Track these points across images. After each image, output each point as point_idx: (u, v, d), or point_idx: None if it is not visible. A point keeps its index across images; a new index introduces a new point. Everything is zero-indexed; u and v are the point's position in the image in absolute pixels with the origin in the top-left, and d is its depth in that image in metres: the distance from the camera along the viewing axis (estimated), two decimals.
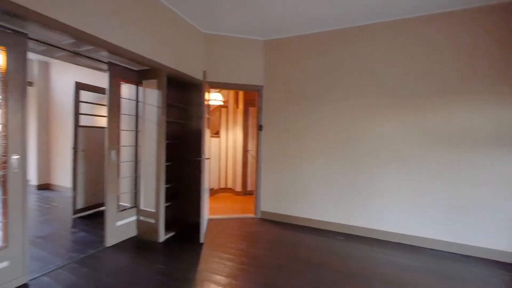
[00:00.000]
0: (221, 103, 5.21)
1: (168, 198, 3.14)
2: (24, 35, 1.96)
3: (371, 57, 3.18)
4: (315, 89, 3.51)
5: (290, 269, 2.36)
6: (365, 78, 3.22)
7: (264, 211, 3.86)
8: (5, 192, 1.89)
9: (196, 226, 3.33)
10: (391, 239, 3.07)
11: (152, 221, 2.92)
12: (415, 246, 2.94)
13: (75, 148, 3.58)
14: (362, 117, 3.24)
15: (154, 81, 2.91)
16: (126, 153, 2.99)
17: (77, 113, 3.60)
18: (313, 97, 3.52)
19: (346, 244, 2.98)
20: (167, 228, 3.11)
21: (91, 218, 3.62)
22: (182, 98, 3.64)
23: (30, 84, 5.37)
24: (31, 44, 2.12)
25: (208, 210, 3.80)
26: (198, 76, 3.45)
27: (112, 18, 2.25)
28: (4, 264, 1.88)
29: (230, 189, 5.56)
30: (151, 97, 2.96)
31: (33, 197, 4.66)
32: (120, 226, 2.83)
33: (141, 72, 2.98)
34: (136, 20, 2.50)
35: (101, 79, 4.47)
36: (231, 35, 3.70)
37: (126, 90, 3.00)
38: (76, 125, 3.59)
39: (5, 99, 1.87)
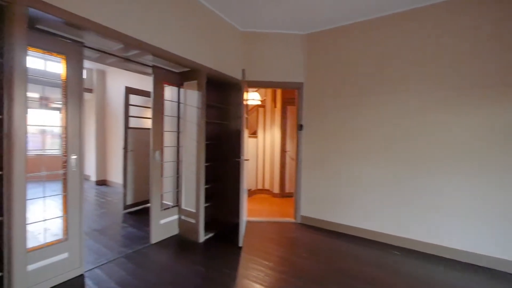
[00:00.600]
0: (259, 103, 5.12)
1: (207, 198, 3.15)
2: (81, 43, 2.11)
3: (429, 44, 2.73)
4: (360, 83, 3.16)
5: (334, 283, 2.12)
6: (421, 69, 2.77)
7: (305, 216, 3.64)
8: (65, 189, 2.06)
9: (235, 227, 3.28)
10: (458, 258, 2.58)
11: (193, 221, 2.96)
12: (487, 268, 2.42)
13: (125, 149, 3.85)
14: (421, 112, 2.80)
15: (194, 82, 2.94)
16: (168, 154, 3.09)
17: (127, 116, 3.87)
18: (358, 92, 3.18)
19: (400, 259, 2.60)
20: (207, 229, 3.13)
21: (139, 213, 3.86)
22: (221, 98, 3.64)
23: (90, 90, 6.03)
24: (86, 52, 2.29)
25: (247, 212, 3.73)
26: (237, 75, 3.40)
27: (156, 22, 2.31)
28: (65, 255, 2.05)
29: (268, 190, 5.44)
30: (192, 98, 3.00)
31: (92, 192, 5.21)
32: (163, 224, 2.93)
33: (182, 74, 3.04)
34: (176, 22, 2.53)
35: (148, 83, 4.79)
36: (269, 31, 3.57)
37: (169, 92, 3.10)
38: (126, 127, 3.86)
39: (65, 103, 2.04)
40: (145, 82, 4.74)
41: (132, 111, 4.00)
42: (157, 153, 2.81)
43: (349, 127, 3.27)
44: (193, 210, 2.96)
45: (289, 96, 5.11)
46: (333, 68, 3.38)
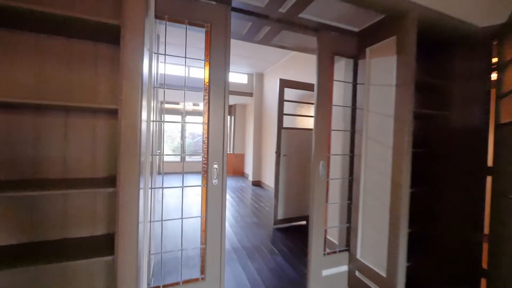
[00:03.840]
0: None
1: (410, 252, 1.71)
2: (228, 5, 1.48)
3: None
4: None
5: None
6: None
7: None
8: (204, 209, 1.49)
9: None
10: None
11: None
12: None
13: (277, 152, 3.22)
14: None
15: (391, 41, 1.63)
16: (336, 165, 1.99)
17: (281, 113, 3.22)
18: None
19: None
20: None
21: (291, 232, 3.11)
22: (433, 70, 2.02)
23: (250, 94, 6.30)
24: (233, 26, 1.66)
25: None
26: (474, 19, 1.68)
27: None
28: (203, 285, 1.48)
29: None
30: (381, 72, 1.72)
31: (248, 192, 5.25)
32: (326, 278, 1.86)
33: (364, 34, 1.82)
34: None
35: (306, 75, 4.00)
36: None
37: (340, 70, 2.00)
38: (280, 126, 3.22)
39: (207, 100, 1.46)
40: (303, 75, 4.00)
41: (288, 108, 3.32)
42: (322, 165, 1.78)
43: None
44: (382, 273, 1.65)
45: None
46: None
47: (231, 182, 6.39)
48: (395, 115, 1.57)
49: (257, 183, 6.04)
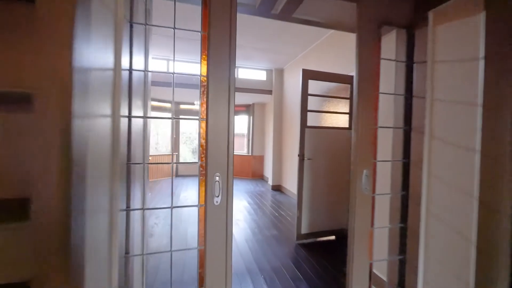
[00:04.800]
0: None
1: None
2: None
3: None
4: None
5: None
6: None
7: None
8: (202, 241, 1.08)
9: None
10: None
11: None
12: None
13: (301, 155, 2.75)
14: None
15: None
16: (384, 175, 1.48)
17: (304, 110, 2.75)
18: None
19: None
20: None
21: (315, 249, 2.62)
22: None
23: (270, 92, 5.86)
24: None
25: None
26: None
27: None
28: None
29: None
30: (453, 44, 1.19)
31: (268, 198, 4.81)
32: None
33: None
34: None
35: (333, 64, 3.44)
36: None
37: (386, 47, 1.49)
38: (303, 125, 2.74)
39: (205, 92, 1.06)
40: (329, 67, 3.49)
41: (312, 105, 2.84)
42: (365, 175, 1.29)
43: None
44: None
45: None
46: None
47: (249, 186, 6.00)
48: (484, 103, 1.04)
49: (277, 188, 5.57)
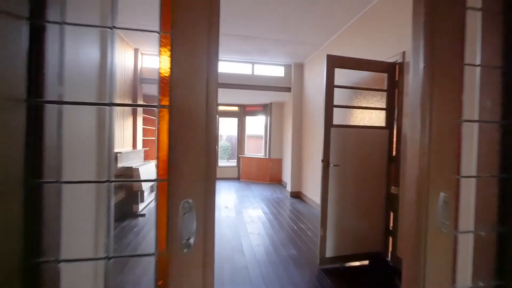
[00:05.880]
0: None
1: None
2: None
3: None
4: None
5: None
6: None
7: None
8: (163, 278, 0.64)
9: None
10: None
11: None
12: None
13: (325, 161, 2.23)
14: None
15: None
16: (467, 200, 0.94)
17: (329, 105, 2.23)
18: None
19: None
20: None
21: (347, 278, 2.08)
22: None
23: (289, 89, 5.36)
24: None
25: None
26: None
27: None
28: None
29: None
30: None
31: (286, 207, 4.30)
32: None
33: None
34: None
35: (364, 50, 2.78)
36: None
37: None
38: (328, 123, 2.23)
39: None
40: (358, 54, 2.91)
41: (338, 100, 2.32)
42: (443, 200, 0.77)
43: None
44: None
45: None
46: None
47: (266, 192, 5.52)
48: None
49: (296, 195, 5.04)
